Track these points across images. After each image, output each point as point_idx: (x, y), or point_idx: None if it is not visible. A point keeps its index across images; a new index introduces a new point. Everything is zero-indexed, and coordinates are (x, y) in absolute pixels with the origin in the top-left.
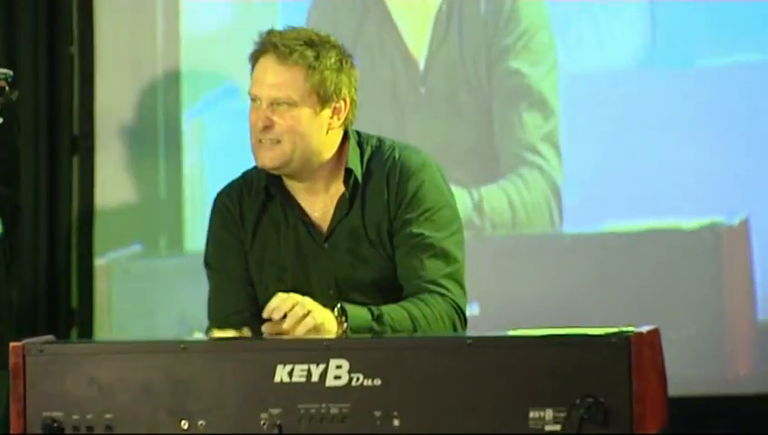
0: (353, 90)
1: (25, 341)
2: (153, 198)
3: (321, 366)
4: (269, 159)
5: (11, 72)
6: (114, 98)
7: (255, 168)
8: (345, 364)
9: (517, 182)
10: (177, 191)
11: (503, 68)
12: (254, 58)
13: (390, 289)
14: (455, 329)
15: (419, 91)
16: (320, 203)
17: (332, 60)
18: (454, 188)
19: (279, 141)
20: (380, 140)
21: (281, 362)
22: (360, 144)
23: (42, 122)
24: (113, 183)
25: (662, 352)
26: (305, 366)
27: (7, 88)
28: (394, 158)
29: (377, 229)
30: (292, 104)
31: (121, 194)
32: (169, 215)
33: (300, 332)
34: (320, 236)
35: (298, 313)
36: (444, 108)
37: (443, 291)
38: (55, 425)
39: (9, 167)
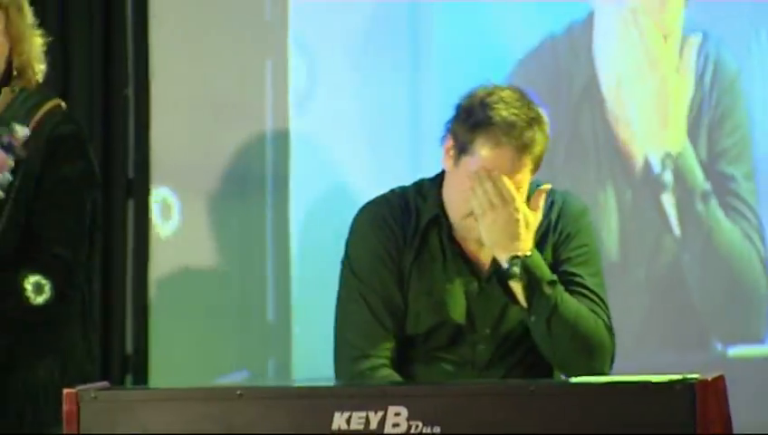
0: None
1: (79, 387)
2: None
3: (380, 414)
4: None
5: (27, 132)
6: (170, 140)
7: (413, 190)
8: (404, 412)
9: None
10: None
11: (718, 172)
12: (485, 130)
13: None
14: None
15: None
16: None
17: (546, 132)
18: None
19: None
20: (537, 183)
21: (338, 410)
22: None
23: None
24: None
25: (727, 399)
26: (363, 414)
27: (17, 145)
28: (555, 200)
29: None
30: (519, 185)
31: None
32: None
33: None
34: (481, 275)
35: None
36: (655, 209)
37: None
38: None
39: (73, 224)
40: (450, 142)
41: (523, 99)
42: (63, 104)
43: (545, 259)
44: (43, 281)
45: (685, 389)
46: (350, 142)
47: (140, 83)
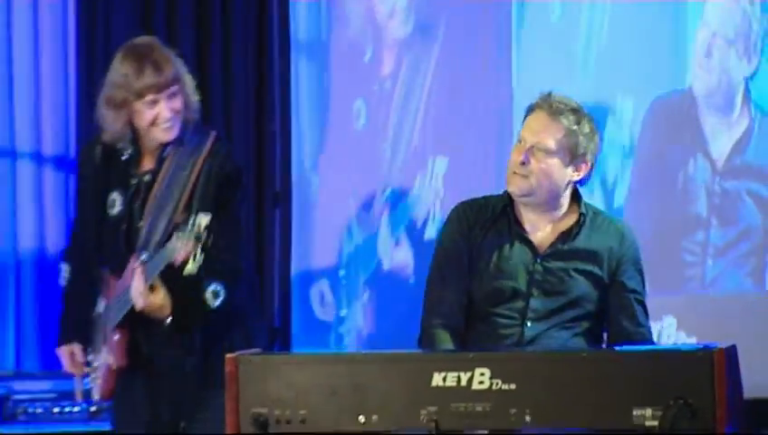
0: (594, 157)
1: (238, 353)
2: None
3: (469, 374)
4: (517, 187)
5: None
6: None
7: (499, 195)
8: (487, 372)
9: None
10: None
11: None
12: (531, 109)
13: (584, 304)
14: None
15: (715, 189)
16: (544, 227)
17: (587, 129)
18: None
19: (528, 177)
20: (594, 207)
21: (437, 371)
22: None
23: (250, 182)
24: (308, 230)
25: (738, 363)
26: (456, 374)
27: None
28: (613, 220)
29: (593, 263)
30: (548, 152)
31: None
32: None
33: None
34: (539, 253)
35: None
36: (737, 211)
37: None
38: (261, 419)
39: (235, 236)
40: None
41: (575, 103)
42: (215, 134)
43: (609, 264)
44: (219, 287)
45: (705, 355)
46: None
47: (284, 121)
